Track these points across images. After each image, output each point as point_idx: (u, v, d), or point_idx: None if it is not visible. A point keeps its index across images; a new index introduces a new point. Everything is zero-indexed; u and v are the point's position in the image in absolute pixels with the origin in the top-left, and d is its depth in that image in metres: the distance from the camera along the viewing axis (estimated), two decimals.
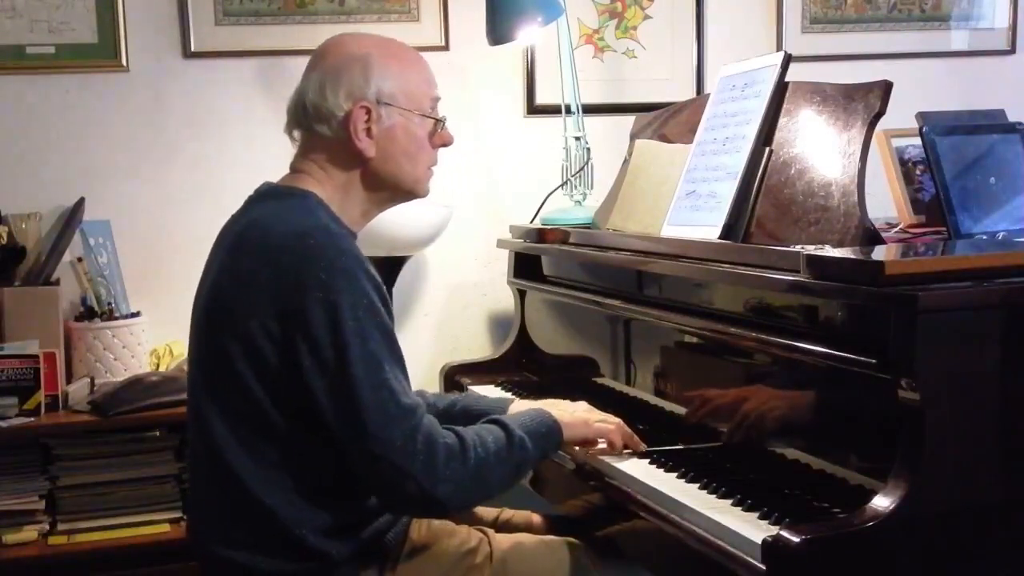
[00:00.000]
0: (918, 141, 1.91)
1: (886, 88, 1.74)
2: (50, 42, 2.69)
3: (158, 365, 2.67)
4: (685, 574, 1.60)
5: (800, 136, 1.87)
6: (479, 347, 2.94)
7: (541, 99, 2.95)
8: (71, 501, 2.41)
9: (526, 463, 1.71)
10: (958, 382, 1.35)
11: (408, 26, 2.85)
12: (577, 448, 1.84)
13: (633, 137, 2.48)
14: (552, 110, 2.86)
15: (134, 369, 2.58)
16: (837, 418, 1.54)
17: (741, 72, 2.04)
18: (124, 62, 2.73)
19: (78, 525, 2.40)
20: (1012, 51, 3.24)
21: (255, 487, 1.59)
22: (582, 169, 2.69)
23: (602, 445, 1.83)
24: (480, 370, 2.56)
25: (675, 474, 1.70)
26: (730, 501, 1.55)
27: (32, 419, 2.37)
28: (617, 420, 1.84)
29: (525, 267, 2.58)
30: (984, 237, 1.77)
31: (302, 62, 1.77)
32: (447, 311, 2.97)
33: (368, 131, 1.69)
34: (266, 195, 1.72)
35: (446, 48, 2.89)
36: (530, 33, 2.64)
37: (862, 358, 1.40)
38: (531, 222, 2.68)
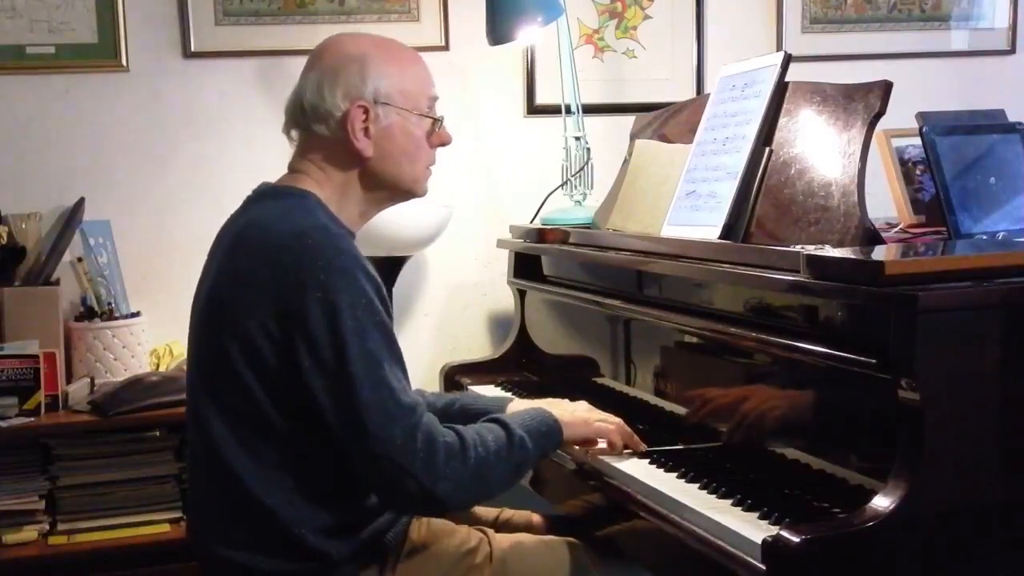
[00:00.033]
0: (918, 141, 1.91)
1: (886, 88, 1.74)
2: (50, 42, 2.69)
3: (158, 365, 2.67)
4: (685, 574, 1.60)
5: (800, 136, 1.87)
6: (479, 347, 2.94)
7: (541, 99, 2.95)
8: (71, 501, 2.41)
9: (526, 462, 1.71)
10: (958, 382, 1.35)
11: (408, 26, 2.85)
12: (577, 448, 1.84)
13: (633, 137, 2.47)
14: (552, 110, 2.86)
15: (134, 369, 2.58)
16: (837, 418, 1.54)
17: (741, 72, 2.04)
18: (124, 62, 2.73)
19: (78, 525, 2.40)
20: (1012, 51, 3.24)
21: (255, 487, 1.59)
22: (582, 169, 2.69)
23: (602, 445, 1.83)
24: (480, 370, 2.56)
25: (675, 474, 1.70)
26: (730, 501, 1.55)
27: (32, 419, 2.37)
28: (617, 420, 1.84)
29: (525, 267, 2.58)
30: (984, 237, 1.77)
31: (302, 62, 1.77)
32: (447, 311, 2.97)
33: (366, 131, 1.69)
34: (264, 195, 1.72)
35: (446, 48, 2.89)
36: (530, 33, 2.64)
37: (862, 358, 1.40)
38: (531, 222, 2.68)
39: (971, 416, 1.37)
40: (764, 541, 1.33)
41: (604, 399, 2.00)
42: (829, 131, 1.81)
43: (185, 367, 1.78)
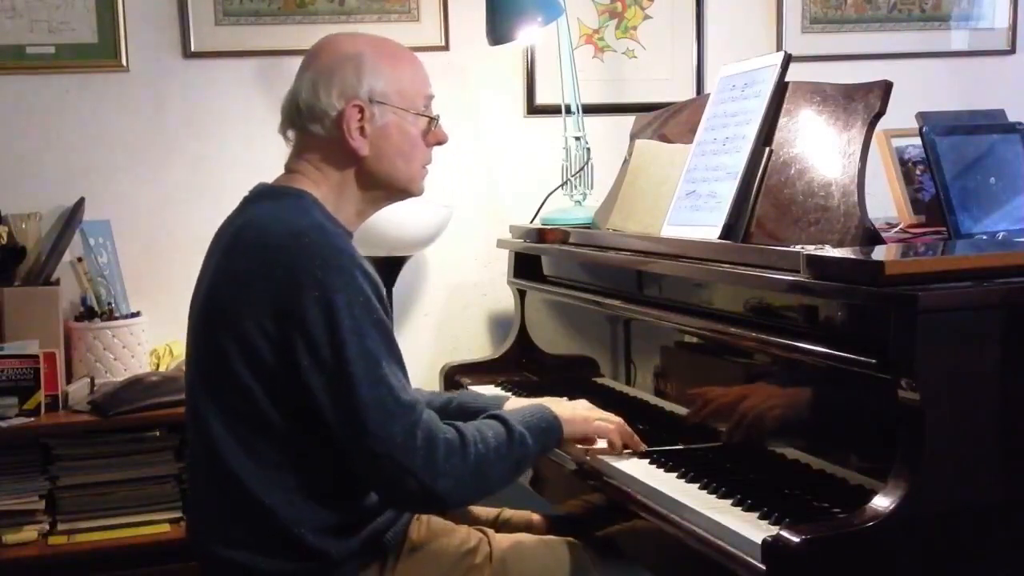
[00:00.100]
0: (918, 141, 1.91)
1: (886, 88, 1.74)
2: (50, 42, 2.69)
3: (158, 365, 2.67)
4: (685, 574, 1.60)
5: (800, 136, 1.87)
6: (479, 347, 2.94)
7: (541, 99, 2.95)
8: (71, 501, 2.41)
9: (526, 459, 1.71)
10: (958, 382, 1.35)
11: (408, 26, 2.85)
12: (577, 447, 1.84)
13: (633, 137, 2.48)
14: (552, 110, 2.86)
15: (134, 369, 2.58)
16: (837, 418, 1.53)
17: (741, 72, 2.04)
18: (124, 62, 2.73)
19: (78, 525, 2.40)
20: (1012, 51, 3.24)
21: (254, 487, 1.59)
22: (582, 169, 2.69)
23: (602, 444, 1.83)
24: (480, 370, 2.56)
25: (675, 474, 1.70)
26: (730, 501, 1.55)
27: (32, 419, 2.37)
28: (618, 419, 1.84)
29: (525, 267, 2.58)
30: (984, 237, 1.77)
31: None
32: (447, 311, 2.97)
33: (361, 130, 1.69)
34: (261, 195, 1.72)
35: (446, 48, 2.89)
36: (530, 33, 2.64)
37: (862, 358, 1.40)
38: (531, 222, 2.68)
39: (971, 416, 1.37)
40: (764, 541, 1.33)
41: (604, 399, 2.00)
42: (829, 131, 1.81)
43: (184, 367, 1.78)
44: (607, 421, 1.83)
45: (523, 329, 2.61)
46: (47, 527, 2.40)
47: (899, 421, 1.35)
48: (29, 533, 2.37)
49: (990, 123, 2.04)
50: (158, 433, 2.44)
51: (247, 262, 1.60)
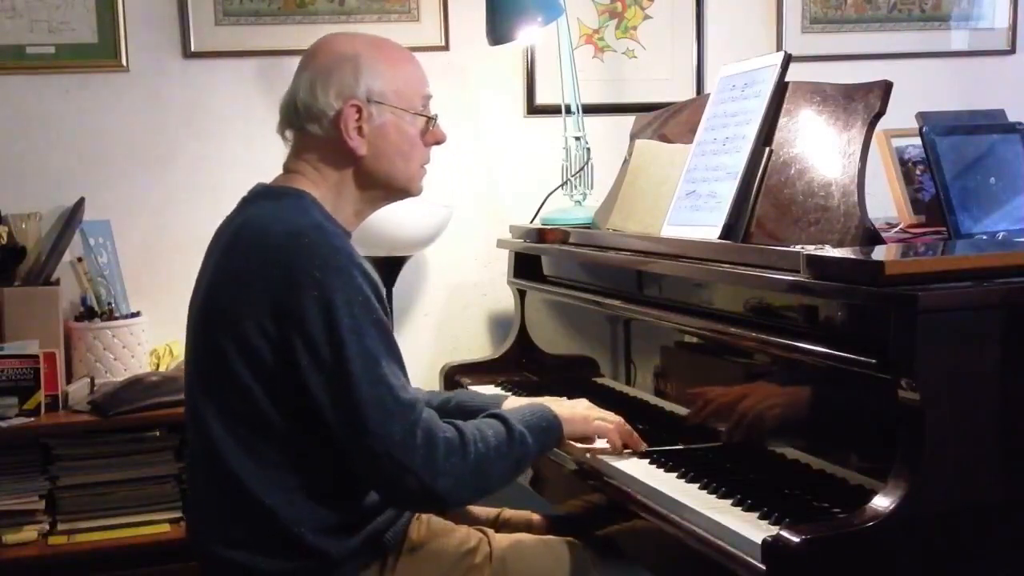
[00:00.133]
0: (918, 141, 1.91)
1: (886, 88, 1.74)
2: (50, 42, 2.69)
3: (158, 365, 2.67)
4: (685, 574, 1.60)
5: (800, 136, 1.87)
6: (479, 347, 2.94)
7: (541, 99, 2.95)
8: (71, 501, 2.41)
9: (526, 458, 1.71)
10: (958, 382, 1.35)
11: (408, 26, 2.85)
12: (577, 446, 1.84)
13: (633, 137, 2.47)
14: (552, 110, 2.86)
15: (134, 369, 2.58)
16: (837, 418, 1.53)
17: (741, 72, 2.04)
18: (124, 62, 2.73)
19: (78, 525, 2.40)
20: (1012, 51, 3.24)
21: (254, 486, 1.59)
22: (582, 169, 2.69)
23: (602, 444, 1.83)
24: (480, 370, 2.56)
25: (675, 474, 1.70)
26: (730, 501, 1.55)
27: (32, 419, 2.37)
28: (617, 418, 1.84)
29: (525, 267, 2.58)
30: (984, 237, 1.77)
31: None
32: (447, 311, 2.97)
33: (359, 130, 1.69)
34: (260, 195, 1.72)
35: (446, 48, 2.89)
36: (530, 33, 2.64)
37: (862, 358, 1.40)
38: (531, 222, 2.68)
39: (971, 416, 1.37)
40: (764, 541, 1.33)
41: (604, 399, 2.00)
42: (829, 131, 1.81)
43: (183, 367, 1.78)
44: (607, 420, 1.83)
45: (523, 329, 2.61)
46: (47, 527, 2.40)
47: (899, 421, 1.35)
48: (29, 533, 2.37)
49: (990, 123, 2.04)
50: (158, 433, 2.44)
51: (246, 262, 1.60)
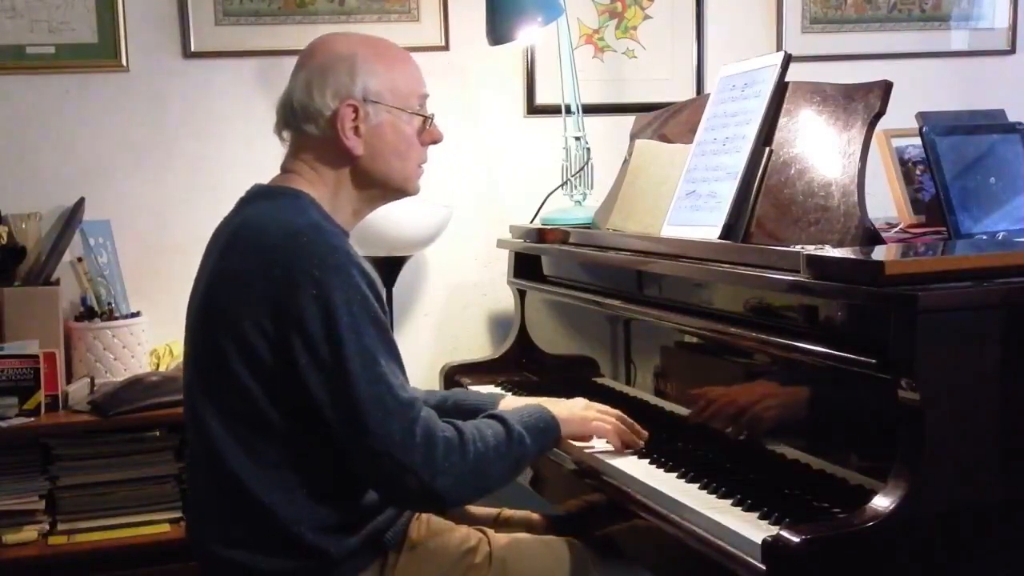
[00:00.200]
0: (918, 141, 1.91)
1: (886, 88, 1.74)
2: (50, 42, 2.69)
3: (158, 365, 2.67)
4: (685, 574, 1.60)
5: (800, 136, 1.87)
6: (479, 347, 2.94)
7: (541, 99, 2.95)
8: (71, 501, 2.41)
9: (525, 458, 1.71)
10: (958, 382, 1.35)
11: (408, 26, 2.85)
12: (578, 445, 1.85)
13: (633, 137, 2.47)
14: (552, 110, 2.86)
15: (134, 369, 2.58)
16: (837, 418, 1.53)
17: (741, 72, 2.04)
18: (124, 62, 2.73)
19: (78, 525, 2.40)
20: (1012, 51, 3.24)
21: (253, 486, 1.59)
22: (582, 169, 2.69)
23: (603, 445, 1.83)
24: (480, 370, 2.56)
25: (675, 474, 1.70)
26: (730, 501, 1.55)
27: (32, 419, 2.37)
28: (615, 413, 1.85)
29: (525, 267, 2.58)
30: (984, 237, 1.77)
31: None
32: (447, 311, 2.97)
33: (356, 129, 1.69)
34: (258, 196, 1.73)
35: (446, 48, 2.89)
36: (530, 33, 2.64)
37: (862, 358, 1.40)
38: (531, 222, 2.68)
39: (971, 416, 1.37)
40: (764, 541, 1.33)
41: (604, 399, 2.00)
42: (829, 131, 1.81)
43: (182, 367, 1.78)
44: (605, 417, 1.83)
45: (523, 329, 2.61)
46: (47, 527, 2.40)
47: (899, 421, 1.35)
48: (29, 533, 2.37)
49: (990, 123, 2.04)
50: (158, 433, 2.44)
51: (245, 262, 1.60)
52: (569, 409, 1.83)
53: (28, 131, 2.70)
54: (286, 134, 1.76)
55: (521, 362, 2.58)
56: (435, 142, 1.80)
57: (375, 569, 1.70)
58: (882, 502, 1.33)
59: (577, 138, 2.70)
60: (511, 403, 1.90)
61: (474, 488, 1.65)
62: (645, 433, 1.84)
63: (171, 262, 2.70)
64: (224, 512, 1.64)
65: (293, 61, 1.77)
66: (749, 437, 1.69)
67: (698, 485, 1.64)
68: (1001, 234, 1.78)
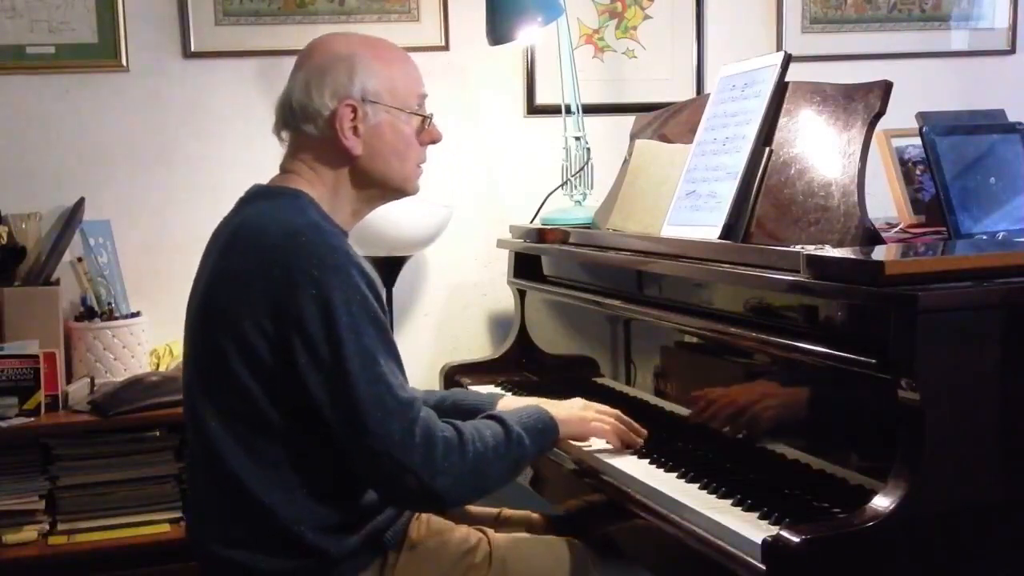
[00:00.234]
0: (918, 141, 1.91)
1: (886, 88, 1.74)
2: (50, 42, 2.69)
3: (158, 365, 2.67)
4: (685, 574, 1.60)
5: (800, 136, 1.87)
6: (479, 347, 2.94)
7: (541, 99, 2.95)
8: (71, 501, 2.41)
9: (524, 459, 1.72)
10: (958, 382, 1.35)
11: (408, 26, 2.85)
12: (578, 444, 1.84)
13: (633, 137, 2.48)
14: (552, 110, 2.86)
15: (134, 369, 2.58)
16: (837, 418, 1.54)
17: (741, 72, 2.04)
18: (124, 62, 2.73)
19: (78, 525, 2.40)
20: (1012, 51, 3.24)
21: (253, 485, 1.59)
22: (582, 169, 2.69)
23: (603, 445, 1.83)
24: (480, 370, 2.55)
25: (675, 474, 1.70)
26: (730, 501, 1.55)
27: (32, 419, 2.37)
28: (614, 413, 1.85)
29: (525, 267, 2.58)
30: (984, 237, 1.77)
31: None
32: (447, 311, 2.97)
33: (355, 129, 1.69)
34: (257, 196, 1.73)
35: (446, 48, 2.89)
36: (530, 33, 2.64)
37: (862, 358, 1.40)
38: (531, 222, 2.68)
39: (971, 416, 1.37)
40: (764, 541, 1.33)
41: (604, 399, 2.00)
42: (829, 131, 1.81)
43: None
44: (603, 419, 1.83)
45: (523, 329, 2.61)
46: (47, 527, 2.40)
47: (899, 421, 1.35)
48: (29, 533, 2.37)
49: (990, 123, 2.04)
50: (158, 433, 2.44)
51: (244, 262, 1.60)
52: (567, 410, 1.83)
53: (28, 131, 2.70)
54: (285, 134, 1.76)
55: (521, 362, 2.58)
56: (434, 142, 1.80)
57: (375, 569, 1.70)
58: (882, 502, 1.33)
59: (577, 138, 2.70)
60: (509, 403, 1.90)
61: (473, 488, 1.65)
62: (644, 432, 1.84)
63: (171, 262, 2.70)
64: (224, 512, 1.64)
65: (293, 61, 1.77)
66: (749, 437, 1.69)
67: (698, 485, 1.64)
68: (1001, 234, 1.78)
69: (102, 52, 2.71)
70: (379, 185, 1.76)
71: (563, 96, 2.74)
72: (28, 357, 2.38)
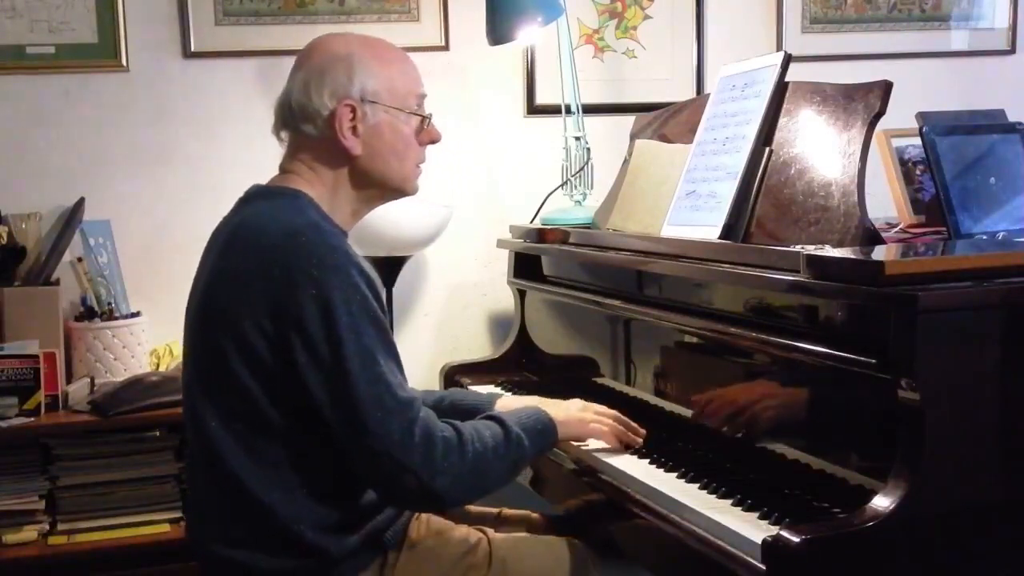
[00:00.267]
0: (918, 141, 1.91)
1: (886, 88, 1.74)
2: (50, 42, 2.69)
3: (158, 365, 2.67)
4: (685, 574, 1.60)
5: (800, 136, 1.87)
6: (479, 347, 2.94)
7: (541, 99, 2.95)
8: (71, 501, 2.41)
9: (522, 460, 1.72)
10: (958, 382, 1.35)
11: (408, 26, 2.85)
12: (577, 444, 1.84)
13: (633, 137, 2.48)
14: (552, 110, 2.86)
15: (134, 369, 2.58)
16: (837, 418, 1.54)
17: (741, 72, 2.04)
18: (124, 62, 2.73)
19: (78, 525, 2.40)
20: (1012, 51, 3.24)
21: (253, 485, 1.59)
22: (582, 169, 2.69)
23: (602, 444, 1.83)
24: (480, 370, 2.56)
25: (675, 474, 1.70)
26: (730, 501, 1.55)
27: (32, 419, 2.37)
28: (612, 413, 1.85)
29: (525, 267, 2.58)
30: (984, 237, 1.77)
31: None
32: (447, 311, 2.97)
33: (354, 129, 1.69)
34: (256, 196, 1.73)
35: (446, 48, 2.89)
36: (530, 33, 2.64)
37: (862, 358, 1.40)
38: (531, 222, 2.68)
39: (971, 416, 1.37)
40: (764, 541, 1.33)
41: (604, 399, 2.00)
42: (829, 131, 1.81)
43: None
44: (602, 420, 1.83)
45: (523, 329, 2.61)
46: (47, 527, 2.40)
47: (899, 421, 1.35)
48: (29, 533, 2.37)
49: (990, 123, 2.04)
50: (158, 433, 2.44)
51: (244, 262, 1.60)
52: (566, 411, 1.83)
53: (28, 131, 2.70)
54: (284, 134, 1.76)
55: (521, 362, 2.58)
56: (433, 142, 1.80)
57: (375, 568, 1.70)
58: (882, 502, 1.33)
59: (577, 138, 2.70)
60: (508, 403, 1.90)
61: (472, 488, 1.65)
62: (643, 433, 1.84)
63: (171, 262, 2.70)
64: (224, 512, 1.64)
65: (293, 61, 1.77)
66: (749, 437, 1.69)
67: (698, 485, 1.64)
68: (1001, 234, 1.78)
69: (102, 52, 2.71)
70: (378, 185, 1.76)
71: (563, 96, 2.74)
72: (28, 357, 2.38)
